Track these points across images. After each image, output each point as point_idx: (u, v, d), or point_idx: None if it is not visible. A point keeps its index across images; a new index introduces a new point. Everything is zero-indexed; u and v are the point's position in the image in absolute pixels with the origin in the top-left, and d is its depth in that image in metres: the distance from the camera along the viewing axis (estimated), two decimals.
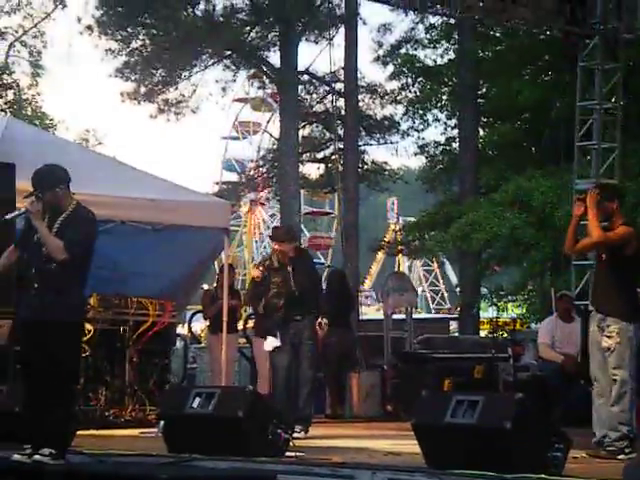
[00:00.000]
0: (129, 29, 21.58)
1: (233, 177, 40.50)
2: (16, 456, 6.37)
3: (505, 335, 13.51)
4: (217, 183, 38.85)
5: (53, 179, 6.65)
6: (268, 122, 39.10)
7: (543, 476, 5.38)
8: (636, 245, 7.39)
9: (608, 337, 7.32)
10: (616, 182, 12.00)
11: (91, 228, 6.73)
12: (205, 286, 13.36)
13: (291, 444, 7.12)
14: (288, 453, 7.03)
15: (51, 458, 6.28)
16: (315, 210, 44.58)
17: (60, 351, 6.40)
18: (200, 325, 15.82)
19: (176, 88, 23.06)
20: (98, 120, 78.80)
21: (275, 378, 9.19)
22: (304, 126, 24.25)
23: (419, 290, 44.70)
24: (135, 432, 9.19)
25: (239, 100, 38.77)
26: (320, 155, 25.36)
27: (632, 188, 14.92)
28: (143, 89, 22.64)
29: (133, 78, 22.37)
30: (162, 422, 7.49)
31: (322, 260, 41.40)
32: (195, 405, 7.04)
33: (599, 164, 12.87)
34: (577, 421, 8.25)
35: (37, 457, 6.28)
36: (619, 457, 7.16)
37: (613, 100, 13.01)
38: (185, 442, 6.92)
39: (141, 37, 21.88)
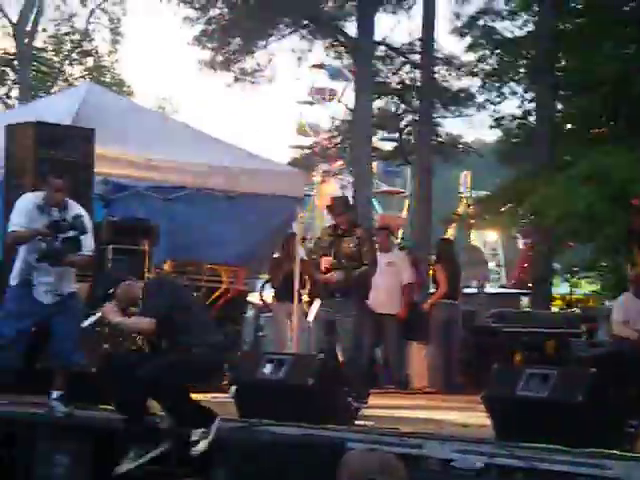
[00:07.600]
0: None
1: (307, 142, 40.38)
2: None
3: (578, 311, 13.38)
4: (292, 147, 38.85)
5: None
6: (342, 93, 38.93)
7: (615, 451, 5.33)
8: None
9: None
10: None
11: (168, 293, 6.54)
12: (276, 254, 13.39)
13: (360, 413, 7.16)
14: (357, 422, 7.07)
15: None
16: (386, 190, 44.09)
17: None
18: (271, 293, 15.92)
19: (252, 57, 23.12)
20: (174, 88, 79.35)
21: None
22: (378, 98, 24.15)
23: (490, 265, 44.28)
24: (207, 397, 9.29)
25: (316, 66, 38.61)
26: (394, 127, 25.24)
27: None
28: (220, 57, 22.72)
29: (210, 46, 22.46)
30: (234, 387, 7.57)
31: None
32: (266, 371, 7.10)
33: None
34: None
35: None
36: None
37: None
38: (256, 407, 6.99)
39: (219, 5, 21.95)
